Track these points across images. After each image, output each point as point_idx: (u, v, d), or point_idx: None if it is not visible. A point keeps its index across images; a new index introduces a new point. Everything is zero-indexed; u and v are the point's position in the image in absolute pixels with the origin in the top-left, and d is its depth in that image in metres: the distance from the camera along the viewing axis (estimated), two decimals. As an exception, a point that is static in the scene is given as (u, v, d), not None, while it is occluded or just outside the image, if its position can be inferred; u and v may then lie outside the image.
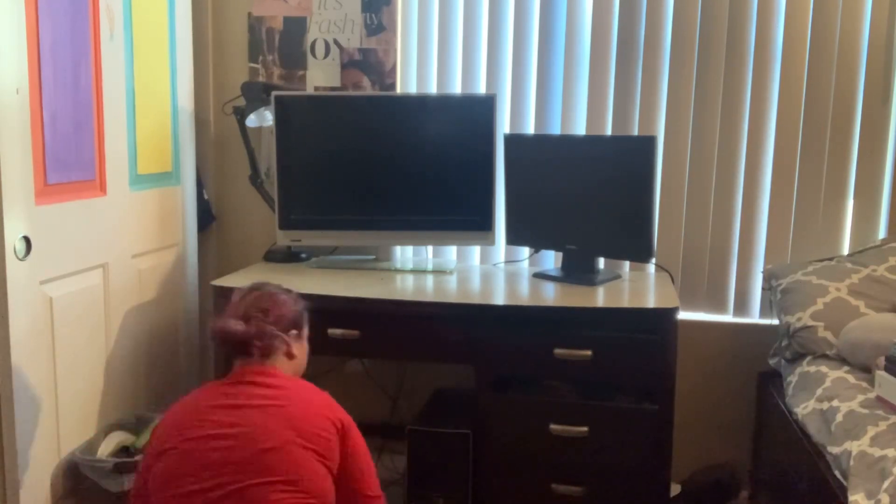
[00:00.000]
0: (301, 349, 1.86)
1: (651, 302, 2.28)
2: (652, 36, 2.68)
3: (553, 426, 2.22)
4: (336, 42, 2.84)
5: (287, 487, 1.58)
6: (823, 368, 2.13)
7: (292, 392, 1.70)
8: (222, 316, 1.78)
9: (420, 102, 2.60)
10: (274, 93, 2.61)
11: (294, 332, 1.84)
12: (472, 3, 2.78)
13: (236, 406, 1.65)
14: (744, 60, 2.64)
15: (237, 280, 2.44)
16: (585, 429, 2.20)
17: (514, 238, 2.71)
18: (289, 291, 1.88)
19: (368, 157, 2.62)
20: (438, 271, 2.65)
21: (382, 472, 2.91)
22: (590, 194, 2.50)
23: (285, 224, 2.65)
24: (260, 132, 2.92)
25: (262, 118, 2.71)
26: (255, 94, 2.69)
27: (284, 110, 2.62)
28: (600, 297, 2.31)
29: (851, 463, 1.67)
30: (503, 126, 2.80)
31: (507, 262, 2.86)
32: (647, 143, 2.37)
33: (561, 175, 2.55)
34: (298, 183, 2.64)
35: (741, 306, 2.75)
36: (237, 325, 1.74)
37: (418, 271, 2.65)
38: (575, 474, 2.24)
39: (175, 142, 2.65)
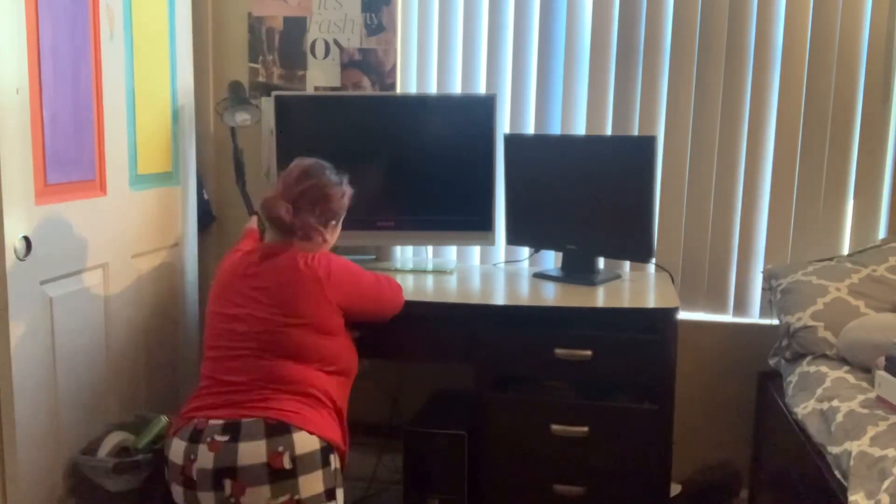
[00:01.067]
0: (335, 234, 2.12)
1: (651, 302, 2.28)
2: (652, 36, 2.68)
3: (553, 426, 2.21)
4: (336, 42, 2.84)
5: (307, 362, 1.91)
6: (823, 368, 2.13)
7: (299, 285, 1.95)
8: (275, 193, 2.03)
9: (420, 102, 2.60)
10: (274, 93, 2.61)
11: (333, 223, 2.09)
12: (472, 3, 2.78)
13: (254, 295, 1.95)
14: (744, 60, 2.64)
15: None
16: (586, 429, 2.20)
17: (514, 238, 2.71)
18: (340, 183, 2.11)
19: (368, 157, 2.62)
20: (438, 271, 2.65)
21: (383, 473, 2.91)
22: (590, 194, 2.50)
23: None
24: (260, 132, 2.92)
25: (233, 119, 2.69)
26: (236, 94, 2.67)
27: (284, 110, 2.61)
28: (600, 297, 2.31)
29: (851, 463, 1.67)
30: (503, 126, 2.80)
31: (507, 262, 2.86)
32: (647, 143, 2.37)
33: (561, 175, 2.55)
34: (298, 183, 2.64)
35: (741, 306, 2.75)
36: (287, 214, 1.99)
37: (418, 271, 2.65)
38: (575, 474, 2.24)
39: (175, 142, 2.64)
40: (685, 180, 2.72)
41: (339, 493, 1.91)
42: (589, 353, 2.19)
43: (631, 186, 2.41)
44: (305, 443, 1.81)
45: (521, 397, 2.27)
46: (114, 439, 2.18)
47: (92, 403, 2.23)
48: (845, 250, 2.66)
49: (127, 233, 2.36)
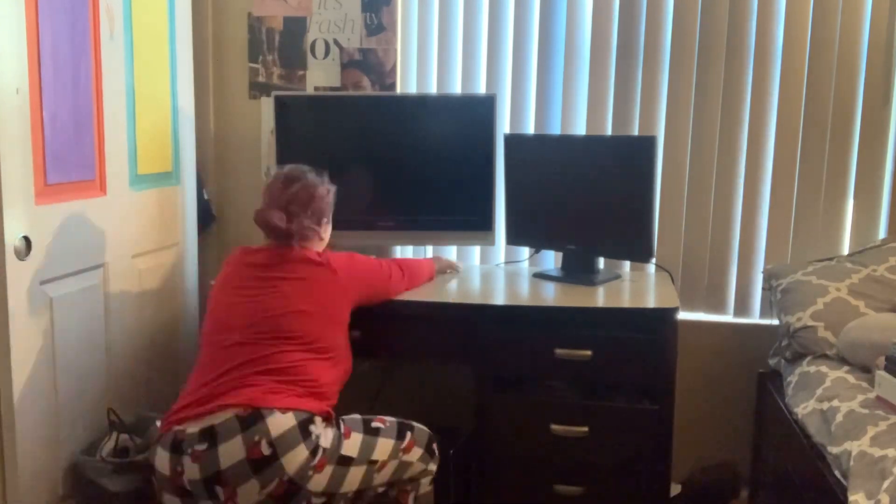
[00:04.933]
0: (328, 231, 2.19)
1: (651, 302, 2.28)
2: (652, 36, 2.68)
3: (553, 426, 2.21)
4: (336, 42, 2.84)
5: (301, 346, 1.94)
6: (823, 368, 2.13)
7: (315, 275, 2.02)
8: (265, 205, 2.09)
9: (420, 102, 2.60)
10: (274, 93, 2.61)
11: (325, 220, 2.15)
12: (472, 3, 2.78)
13: (268, 283, 2.00)
14: (744, 61, 2.64)
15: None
16: (586, 429, 2.20)
17: (514, 238, 2.71)
18: (323, 181, 2.16)
19: (369, 157, 2.62)
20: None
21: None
22: (590, 194, 2.50)
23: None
24: (260, 132, 2.92)
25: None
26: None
27: (284, 110, 2.62)
28: (600, 297, 2.31)
29: (851, 463, 1.67)
30: (503, 126, 2.80)
31: (508, 262, 2.86)
32: (647, 143, 2.37)
33: (561, 175, 2.55)
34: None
35: (741, 306, 2.75)
36: (280, 221, 2.04)
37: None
38: (575, 474, 2.24)
39: (175, 142, 2.64)
40: (685, 180, 2.72)
41: (353, 440, 1.92)
42: (589, 353, 2.19)
43: (631, 186, 2.41)
44: (280, 423, 1.80)
45: (521, 397, 2.26)
46: (114, 439, 2.18)
47: (92, 403, 2.23)
48: (845, 250, 2.66)
49: (127, 233, 2.36)
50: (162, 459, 1.84)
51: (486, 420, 2.27)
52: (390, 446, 1.98)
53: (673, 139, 2.71)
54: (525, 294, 2.36)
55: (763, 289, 2.69)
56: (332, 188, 2.19)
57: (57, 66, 2.02)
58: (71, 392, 2.12)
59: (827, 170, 2.64)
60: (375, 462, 1.94)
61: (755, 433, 2.66)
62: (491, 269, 2.78)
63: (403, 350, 2.33)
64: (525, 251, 2.85)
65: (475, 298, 2.30)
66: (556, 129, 2.79)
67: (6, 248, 1.84)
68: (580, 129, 2.77)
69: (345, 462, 1.89)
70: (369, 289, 2.16)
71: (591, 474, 2.23)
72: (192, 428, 1.82)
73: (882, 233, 2.62)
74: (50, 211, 2.00)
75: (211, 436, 1.79)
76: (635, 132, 2.73)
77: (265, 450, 1.78)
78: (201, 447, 1.79)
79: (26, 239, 1.90)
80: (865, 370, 2.06)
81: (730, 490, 2.67)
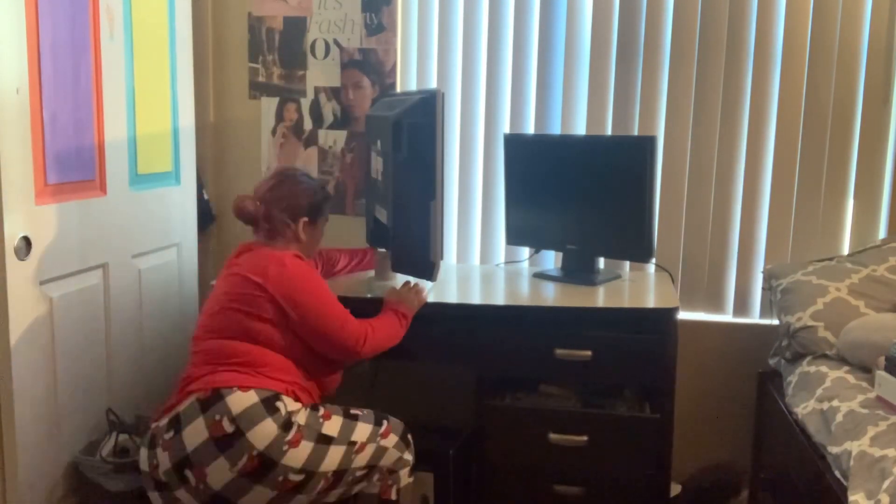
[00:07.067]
0: (311, 233, 2.16)
1: (651, 302, 2.28)
2: (652, 36, 2.68)
3: (552, 435, 2.20)
4: (336, 42, 2.84)
5: (250, 339, 1.97)
6: (823, 368, 2.13)
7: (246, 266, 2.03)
8: (248, 194, 2.14)
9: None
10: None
11: (305, 219, 2.12)
12: (472, 3, 2.78)
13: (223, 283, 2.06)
14: (744, 60, 2.64)
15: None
16: (584, 438, 2.19)
17: (514, 238, 2.71)
18: (311, 180, 2.18)
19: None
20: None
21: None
22: (590, 194, 2.50)
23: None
24: (260, 132, 2.92)
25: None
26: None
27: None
28: (600, 297, 2.31)
29: (851, 463, 1.67)
30: (503, 126, 2.80)
31: (508, 262, 2.86)
32: (647, 143, 2.37)
33: (561, 175, 2.55)
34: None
35: (741, 306, 2.75)
36: (252, 206, 2.10)
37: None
38: (575, 482, 2.23)
39: (175, 142, 2.64)
40: (685, 180, 2.72)
41: (333, 422, 1.95)
42: (589, 353, 2.19)
43: (631, 186, 2.41)
44: (240, 401, 1.84)
45: (520, 405, 2.26)
46: (114, 439, 2.19)
47: (92, 403, 2.23)
48: (845, 250, 2.66)
49: (127, 233, 2.36)
50: (142, 457, 1.91)
51: (484, 426, 2.26)
52: (369, 430, 2.00)
53: (673, 139, 2.71)
54: (525, 294, 2.36)
55: (763, 289, 2.69)
56: (322, 193, 2.21)
57: (57, 66, 2.02)
58: (71, 392, 2.12)
59: (827, 170, 2.64)
60: (355, 443, 1.95)
61: (755, 433, 2.65)
62: (491, 269, 2.78)
63: (404, 350, 2.32)
64: (525, 251, 2.85)
65: (475, 298, 2.30)
66: (556, 129, 2.78)
67: (6, 248, 1.84)
68: (580, 129, 2.76)
69: (325, 441, 1.90)
70: (300, 307, 2.00)
71: (590, 482, 2.22)
72: (163, 421, 1.89)
73: (882, 233, 2.62)
74: (50, 211, 2.00)
75: (177, 423, 1.86)
76: (635, 132, 2.73)
77: (227, 427, 1.81)
78: (169, 435, 1.85)
79: (26, 239, 1.90)
80: (865, 370, 2.06)
81: (730, 490, 2.68)
